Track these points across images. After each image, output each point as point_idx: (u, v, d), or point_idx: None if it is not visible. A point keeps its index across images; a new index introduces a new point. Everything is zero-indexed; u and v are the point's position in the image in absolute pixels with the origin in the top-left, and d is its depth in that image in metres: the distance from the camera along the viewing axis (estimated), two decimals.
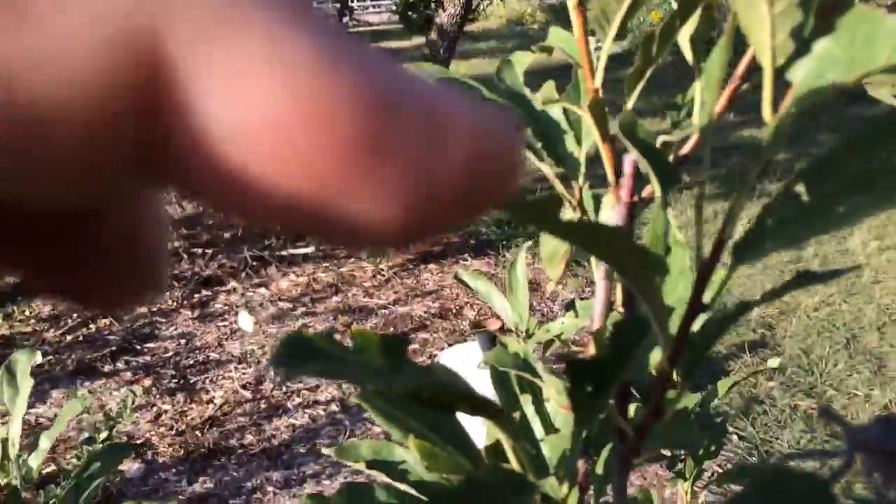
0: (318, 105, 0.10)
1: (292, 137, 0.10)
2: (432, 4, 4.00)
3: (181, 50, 0.10)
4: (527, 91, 0.49)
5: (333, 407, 3.11)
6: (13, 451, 0.60)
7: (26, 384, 0.61)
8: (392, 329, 3.68)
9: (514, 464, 0.34)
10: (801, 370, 3.16)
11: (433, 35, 3.98)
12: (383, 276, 4.23)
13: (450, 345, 3.30)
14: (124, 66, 0.10)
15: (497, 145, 0.12)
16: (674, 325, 0.32)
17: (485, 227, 4.79)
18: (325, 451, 0.45)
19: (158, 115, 0.11)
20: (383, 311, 3.87)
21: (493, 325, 2.94)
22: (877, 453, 0.20)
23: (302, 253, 4.36)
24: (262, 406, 3.14)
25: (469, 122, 0.11)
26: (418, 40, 6.85)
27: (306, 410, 3.11)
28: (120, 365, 3.46)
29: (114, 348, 3.59)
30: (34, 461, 0.62)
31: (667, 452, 0.74)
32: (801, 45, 0.25)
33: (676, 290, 0.34)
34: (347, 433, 2.95)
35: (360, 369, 0.27)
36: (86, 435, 2.72)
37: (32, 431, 2.99)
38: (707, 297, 0.30)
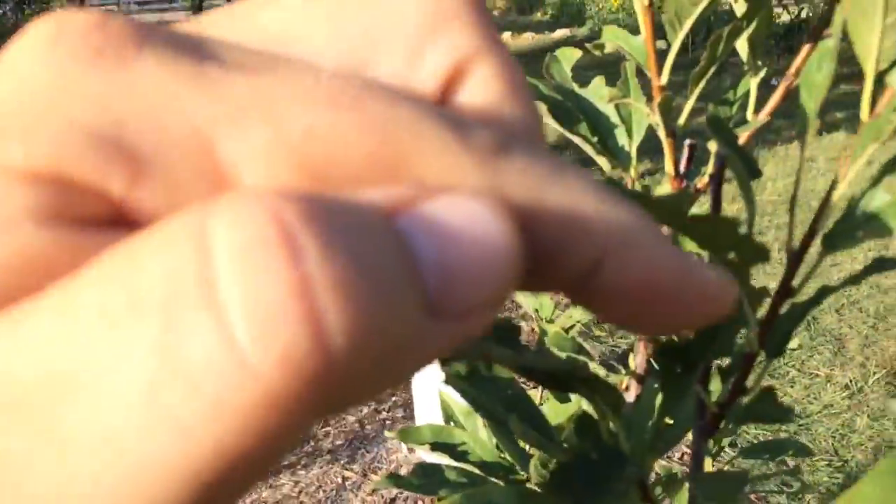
0: None
1: None
2: None
3: None
4: (575, 86, 0.51)
5: None
6: None
7: None
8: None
9: (608, 440, 0.36)
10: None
11: None
12: None
13: None
14: None
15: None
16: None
17: None
18: (387, 434, 0.47)
19: None
20: None
21: None
22: None
23: None
24: None
25: None
26: None
27: None
28: None
29: None
30: None
31: None
32: None
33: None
34: (322, 423, 2.95)
35: (500, 352, 0.29)
36: None
37: None
38: (796, 282, 0.33)
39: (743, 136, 0.43)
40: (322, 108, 0.12)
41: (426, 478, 0.46)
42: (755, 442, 2.39)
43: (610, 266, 0.15)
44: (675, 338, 0.34)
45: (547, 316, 0.84)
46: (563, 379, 0.32)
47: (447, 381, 0.40)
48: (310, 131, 0.12)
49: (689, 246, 0.45)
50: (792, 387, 3.03)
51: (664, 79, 0.42)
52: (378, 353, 0.11)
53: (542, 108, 0.45)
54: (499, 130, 0.14)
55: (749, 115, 0.44)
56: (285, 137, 0.12)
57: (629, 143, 0.49)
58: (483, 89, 0.15)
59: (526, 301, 0.81)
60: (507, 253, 0.13)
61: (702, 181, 0.45)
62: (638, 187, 0.49)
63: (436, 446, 0.50)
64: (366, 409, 3.02)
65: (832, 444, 2.76)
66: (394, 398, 2.97)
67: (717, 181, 0.40)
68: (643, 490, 0.37)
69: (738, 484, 0.31)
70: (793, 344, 0.97)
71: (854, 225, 0.31)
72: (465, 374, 0.43)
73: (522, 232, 0.13)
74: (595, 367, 0.51)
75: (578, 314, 0.73)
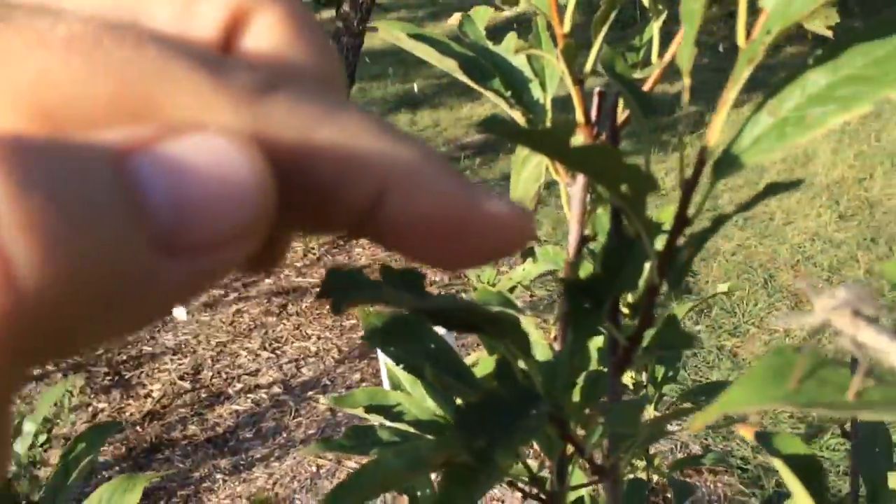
0: None
1: None
2: None
3: None
4: (489, 43, 0.51)
5: (276, 389, 3.10)
6: None
7: None
8: (327, 308, 3.67)
9: (524, 382, 0.37)
10: (724, 312, 3.32)
11: (346, 7, 3.93)
12: (314, 254, 4.20)
13: None
14: None
15: None
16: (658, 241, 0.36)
17: None
18: (322, 399, 0.47)
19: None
20: (317, 288, 3.86)
21: None
22: (846, 311, 0.24)
23: None
24: (203, 395, 3.10)
25: None
26: (328, 14, 6.70)
27: (248, 395, 3.09)
28: (49, 366, 3.35)
29: None
30: (20, 447, 0.62)
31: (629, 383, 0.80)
32: None
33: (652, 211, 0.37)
34: (293, 413, 2.94)
35: (397, 296, 0.29)
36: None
37: None
38: (690, 212, 0.33)
39: (650, 80, 0.44)
40: (57, 53, 0.12)
41: (357, 439, 0.47)
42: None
43: (391, 201, 0.15)
44: (580, 275, 0.35)
45: (489, 280, 0.84)
46: (468, 320, 0.32)
47: (364, 338, 0.40)
48: (42, 76, 0.12)
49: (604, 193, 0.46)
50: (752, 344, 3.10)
51: (566, 27, 0.42)
52: (90, 291, 0.11)
53: (453, 64, 0.46)
54: (269, 73, 0.14)
55: (654, 59, 0.44)
56: (15, 83, 0.12)
57: (543, 96, 0.50)
58: (266, 36, 0.15)
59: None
60: (253, 188, 0.13)
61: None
62: None
63: (370, 409, 0.50)
64: (337, 395, 3.02)
65: None
66: (364, 384, 2.98)
67: (611, 119, 0.40)
68: (562, 428, 0.38)
69: (638, 408, 0.31)
70: (722, 287, 1.00)
71: (740, 150, 0.32)
72: (387, 330, 0.43)
73: (293, 170, 0.14)
74: (525, 320, 0.52)
75: (518, 275, 0.74)
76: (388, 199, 0.15)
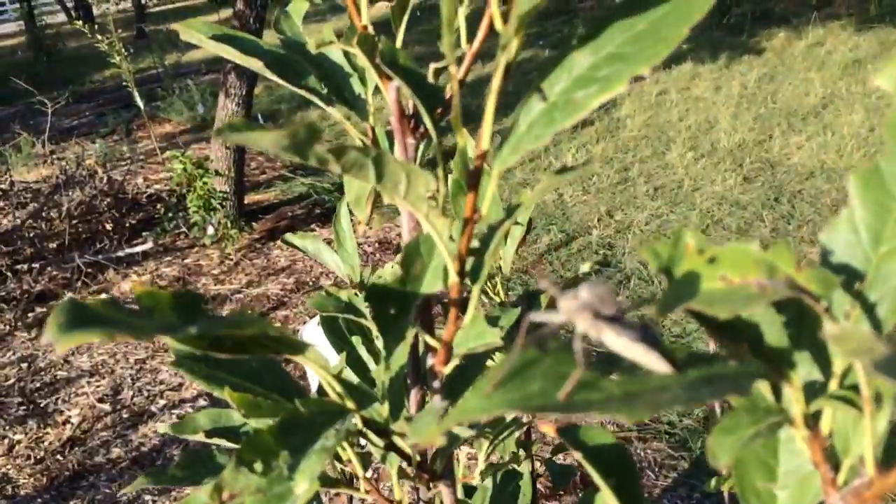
0: None
1: None
2: None
3: None
4: (307, 39, 0.49)
5: (202, 402, 3.02)
6: None
7: None
8: (250, 312, 3.60)
9: (334, 396, 0.35)
10: (642, 282, 3.39)
11: (240, 5, 3.84)
12: (231, 260, 4.11)
13: (311, 317, 3.27)
14: None
15: None
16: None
17: (326, 194, 4.74)
18: (159, 427, 0.45)
19: None
20: (237, 295, 3.78)
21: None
22: (586, 313, 0.23)
23: (140, 251, 4.15)
24: (125, 416, 3.00)
25: None
26: (226, 13, 6.55)
27: (173, 411, 3.00)
28: None
29: None
30: None
31: None
32: None
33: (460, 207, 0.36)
34: None
35: (147, 325, 0.27)
36: None
37: None
38: (484, 207, 0.32)
39: (462, 68, 0.42)
40: None
41: (192, 468, 0.44)
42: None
43: None
44: (380, 278, 0.33)
45: (364, 278, 0.82)
46: (245, 342, 0.30)
47: (174, 364, 0.38)
48: None
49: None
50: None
51: (364, 18, 0.40)
52: None
53: (258, 64, 0.43)
54: None
55: (463, 43, 0.43)
56: None
57: (364, 90, 0.48)
58: None
59: (340, 268, 0.79)
60: None
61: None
62: (380, 133, 0.47)
63: (213, 433, 0.48)
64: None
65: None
66: None
67: (397, 112, 0.39)
68: (385, 438, 0.37)
69: (436, 413, 0.30)
70: (584, 268, 1.00)
71: (517, 138, 0.31)
72: (200, 355, 0.41)
73: None
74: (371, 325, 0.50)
75: (388, 273, 0.72)
76: None
